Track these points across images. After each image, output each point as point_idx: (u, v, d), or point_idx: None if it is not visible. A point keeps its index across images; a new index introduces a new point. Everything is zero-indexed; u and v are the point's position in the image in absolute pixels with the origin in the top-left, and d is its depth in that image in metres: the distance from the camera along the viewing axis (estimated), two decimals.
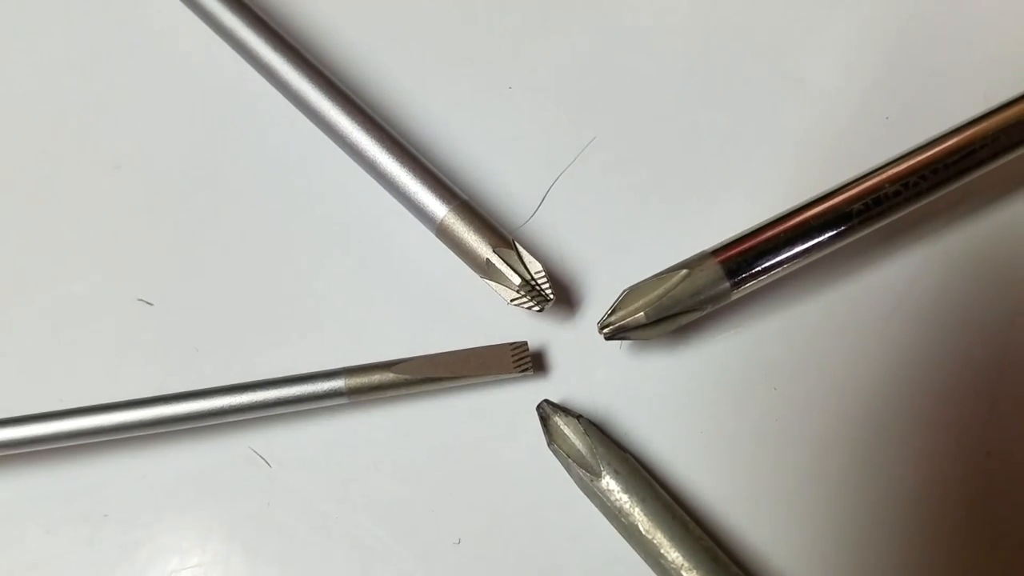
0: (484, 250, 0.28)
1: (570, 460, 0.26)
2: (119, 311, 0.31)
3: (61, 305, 0.31)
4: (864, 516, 0.27)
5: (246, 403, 0.27)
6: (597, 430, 0.27)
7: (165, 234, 0.31)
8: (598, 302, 0.30)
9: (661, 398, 0.28)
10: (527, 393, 0.29)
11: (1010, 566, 0.26)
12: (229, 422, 0.28)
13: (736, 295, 0.26)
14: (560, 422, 0.27)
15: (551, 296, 0.27)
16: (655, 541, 0.25)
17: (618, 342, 0.29)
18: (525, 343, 0.28)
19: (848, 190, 0.26)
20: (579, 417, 0.27)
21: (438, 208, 0.28)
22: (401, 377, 0.27)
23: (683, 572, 0.24)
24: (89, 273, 0.31)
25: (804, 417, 0.28)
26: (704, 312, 0.26)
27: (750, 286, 0.26)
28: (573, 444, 0.26)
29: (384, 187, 0.29)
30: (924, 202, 0.27)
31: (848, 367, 0.28)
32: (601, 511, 0.26)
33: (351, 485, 0.28)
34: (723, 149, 0.31)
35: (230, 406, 0.27)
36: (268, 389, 0.27)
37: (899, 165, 0.27)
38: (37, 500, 0.29)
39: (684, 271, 0.26)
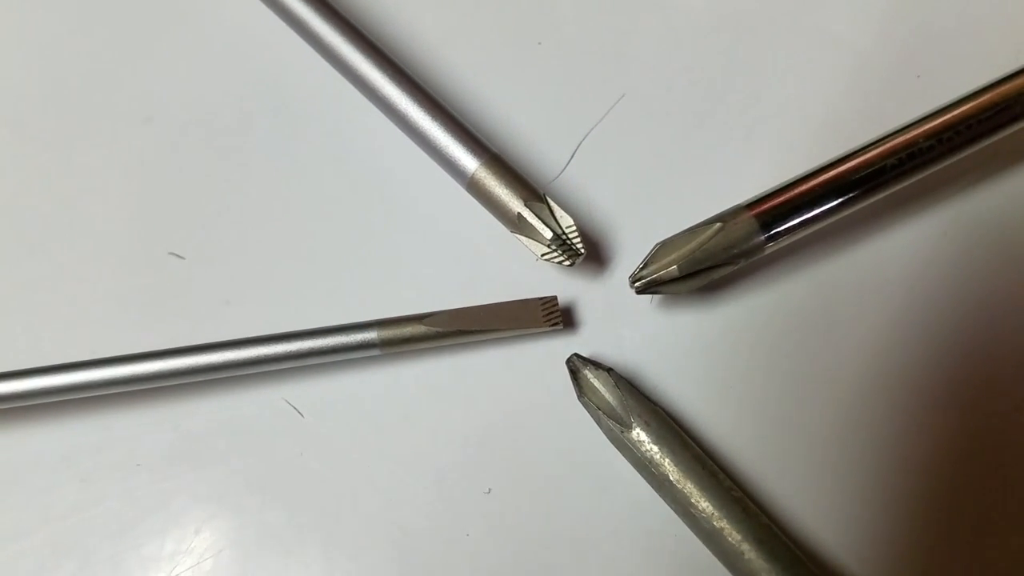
0: (515, 204, 0.28)
1: (600, 412, 0.26)
2: (151, 265, 0.31)
3: (94, 258, 0.31)
4: (891, 470, 0.27)
5: (279, 353, 0.27)
6: (627, 383, 0.27)
7: (196, 188, 0.32)
8: (627, 258, 0.30)
9: (691, 354, 0.29)
10: (556, 348, 0.29)
11: None
12: (262, 372, 0.28)
13: (769, 249, 0.26)
14: (590, 375, 0.27)
15: (582, 250, 0.27)
16: (685, 491, 0.25)
17: (648, 297, 0.29)
18: (555, 298, 0.28)
19: (882, 144, 0.26)
20: (609, 370, 0.27)
21: (469, 162, 0.28)
22: (432, 329, 0.27)
23: (713, 521, 0.25)
24: (120, 227, 0.31)
25: (833, 373, 0.28)
26: (737, 266, 0.27)
27: (783, 240, 0.26)
28: (604, 397, 0.27)
29: (415, 141, 0.29)
30: (958, 157, 0.27)
31: (878, 323, 0.28)
32: (631, 462, 0.27)
33: (383, 436, 0.28)
34: (753, 106, 0.31)
35: (263, 356, 0.27)
36: (301, 340, 0.28)
37: (934, 120, 0.26)
38: (72, 450, 0.29)
39: (718, 224, 0.26)
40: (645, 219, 0.30)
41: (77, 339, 0.30)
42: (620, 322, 0.29)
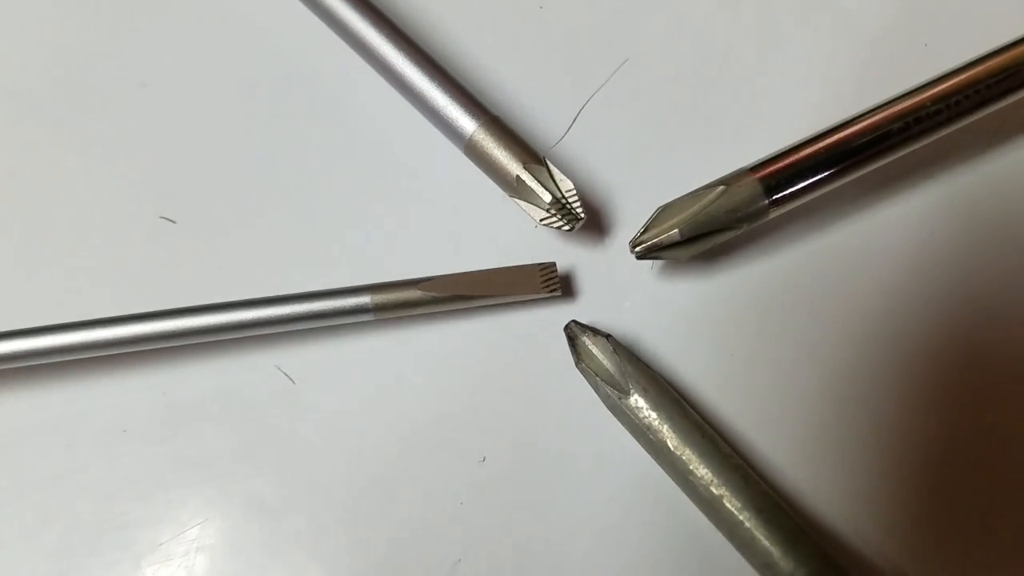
0: (514, 167, 0.27)
1: (598, 379, 0.26)
2: (141, 229, 0.30)
3: (84, 221, 0.30)
4: (893, 440, 0.27)
5: (271, 317, 0.27)
6: (626, 349, 0.26)
7: (188, 152, 0.31)
8: (628, 226, 0.29)
9: (691, 321, 0.28)
10: (554, 315, 0.28)
11: None
12: (253, 337, 0.28)
13: (773, 214, 0.26)
14: (588, 341, 0.26)
15: (582, 215, 0.27)
16: (684, 457, 0.25)
17: (649, 264, 0.28)
18: (553, 264, 0.28)
19: (889, 108, 0.26)
20: (608, 336, 0.26)
21: (467, 123, 0.28)
22: (428, 295, 0.27)
23: (712, 488, 0.24)
24: (111, 190, 0.31)
25: (835, 341, 0.28)
26: (739, 231, 0.26)
27: (788, 205, 0.26)
28: (602, 363, 0.26)
29: (411, 102, 0.29)
30: (965, 122, 0.26)
31: (881, 292, 0.28)
32: (629, 429, 0.26)
33: (376, 403, 0.28)
34: (757, 73, 0.31)
35: (254, 319, 0.27)
36: (294, 303, 0.27)
37: (941, 84, 0.26)
38: (58, 415, 0.28)
39: (721, 187, 0.25)
40: (647, 186, 0.29)
41: (66, 302, 0.29)
42: (620, 289, 0.29)
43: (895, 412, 0.27)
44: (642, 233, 0.26)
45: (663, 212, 0.26)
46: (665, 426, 0.25)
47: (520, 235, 0.29)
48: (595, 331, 0.26)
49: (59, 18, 0.33)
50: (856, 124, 0.26)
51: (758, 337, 0.28)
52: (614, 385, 0.26)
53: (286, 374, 0.28)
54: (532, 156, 0.27)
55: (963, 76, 0.26)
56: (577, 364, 0.26)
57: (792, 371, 0.27)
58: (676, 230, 0.25)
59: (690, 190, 0.27)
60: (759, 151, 0.27)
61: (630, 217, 0.29)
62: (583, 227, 0.27)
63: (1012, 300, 0.28)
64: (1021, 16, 0.30)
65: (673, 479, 0.25)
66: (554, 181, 0.27)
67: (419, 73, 0.28)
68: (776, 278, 0.28)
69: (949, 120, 0.26)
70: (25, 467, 0.28)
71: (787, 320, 0.28)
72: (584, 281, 0.29)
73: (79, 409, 0.28)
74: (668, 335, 0.28)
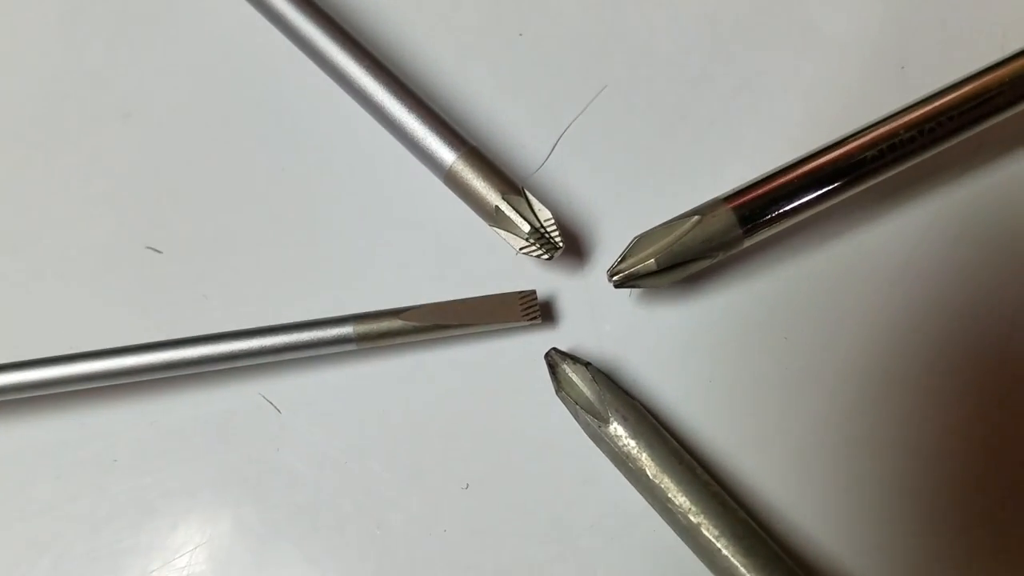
0: (493, 197, 0.27)
1: (578, 407, 0.26)
2: (128, 259, 0.30)
3: (70, 253, 0.31)
4: (872, 464, 0.27)
5: (256, 348, 0.27)
6: (605, 377, 0.27)
7: (174, 182, 0.31)
8: (607, 252, 0.29)
9: (670, 347, 0.28)
10: (535, 342, 0.29)
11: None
12: (239, 367, 0.28)
13: (748, 242, 0.26)
14: (568, 369, 0.27)
15: (561, 244, 0.27)
16: (662, 486, 0.25)
17: (627, 291, 0.29)
18: (534, 292, 0.28)
19: (862, 136, 0.26)
20: (587, 364, 0.27)
21: (447, 154, 0.28)
22: (410, 324, 0.27)
23: (690, 516, 0.25)
24: (98, 221, 0.31)
25: (813, 367, 0.28)
26: (715, 260, 0.26)
27: (762, 233, 0.26)
28: (581, 391, 0.26)
29: (392, 133, 0.29)
30: (939, 149, 0.26)
31: (859, 317, 0.28)
32: (608, 457, 0.26)
33: (360, 431, 0.28)
34: (735, 98, 0.31)
35: (240, 351, 0.27)
36: (278, 334, 0.27)
37: (915, 111, 0.26)
38: (47, 445, 0.29)
39: (696, 217, 0.26)
40: (626, 212, 0.30)
41: (54, 334, 0.30)
42: (600, 316, 0.29)
43: (874, 436, 0.27)
44: (619, 263, 0.26)
45: (639, 242, 0.26)
46: (644, 454, 0.25)
47: (500, 263, 0.29)
48: (575, 359, 0.27)
49: (42, 49, 0.34)
50: (829, 152, 0.26)
51: (737, 361, 0.28)
52: (594, 413, 0.26)
53: (272, 403, 0.29)
54: (511, 186, 0.27)
55: (936, 104, 0.26)
56: (557, 392, 0.27)
57: (770, 396, 0.28)
58: (652, 260, 0.26)
59: (670, 214, 0.27)
60: (737, 176, 0.27)
61: (610, 243, 0.29)
62: (563, 254, 0.28)
63: (992, 323, 0.28)
64: (995, 37, 0.31)
65: (652, 507, 0.26)
66: (533, 211, 0.27)
67: (399, 105, 0.28)
68: (755, 303, 0.28)
69: (923, 147, 0.26)
70: (15, 497, 0.28)
71: (766, 345, 0.28)
72: (565, 306, 0.29)
73: (68, 439, 0.29)
74: (648, 360, 0.28)
